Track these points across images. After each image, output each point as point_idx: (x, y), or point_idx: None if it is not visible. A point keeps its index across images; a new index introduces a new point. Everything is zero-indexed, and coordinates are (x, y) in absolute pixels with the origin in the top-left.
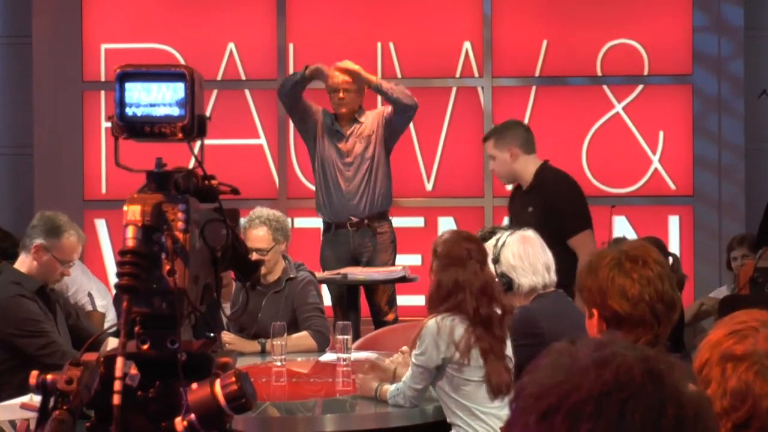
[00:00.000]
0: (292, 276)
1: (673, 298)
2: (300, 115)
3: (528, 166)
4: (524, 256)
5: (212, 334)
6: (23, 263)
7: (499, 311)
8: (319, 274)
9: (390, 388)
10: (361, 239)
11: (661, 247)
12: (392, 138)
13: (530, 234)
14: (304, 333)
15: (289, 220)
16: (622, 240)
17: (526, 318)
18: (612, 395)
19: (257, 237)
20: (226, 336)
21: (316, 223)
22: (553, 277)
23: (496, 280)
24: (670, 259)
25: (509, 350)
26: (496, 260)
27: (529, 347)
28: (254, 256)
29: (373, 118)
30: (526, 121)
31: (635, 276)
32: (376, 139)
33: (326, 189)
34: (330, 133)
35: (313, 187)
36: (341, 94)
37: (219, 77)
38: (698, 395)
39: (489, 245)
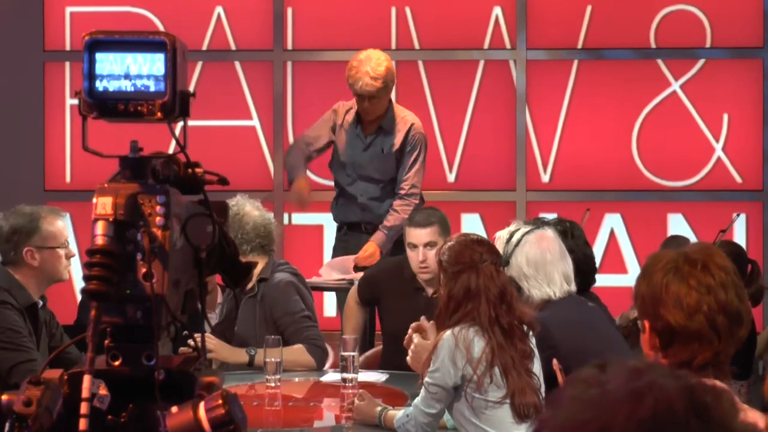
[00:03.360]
0: (264, 277)
1: (739, 310)
2: (329, 145)
3: None
4: (540, 264)
5: (189, 338)
6: (24, 276)
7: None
8: (320, 280)
9: (398, 414)
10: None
11: (740, 253)
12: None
13: (549, 234)
14: (299, 347)
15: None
16: (677, 239)
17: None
18: None
19: None
20: (210, 341)
21: (317, 219)
22: (572, 288)
23: None
24: (749, 267)
25: (537, 366)
26: (507, 262)
27: (543, 362)
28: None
29: (399, 132)
30: (566, 101)
31: (693, 282)
32: (392, 157)
33: (341, 190)
34: (351, 134)
35: (315, 178)
36: (366, 104)
37: (205, 47)
38: (749, 430)
39: (499, 240)
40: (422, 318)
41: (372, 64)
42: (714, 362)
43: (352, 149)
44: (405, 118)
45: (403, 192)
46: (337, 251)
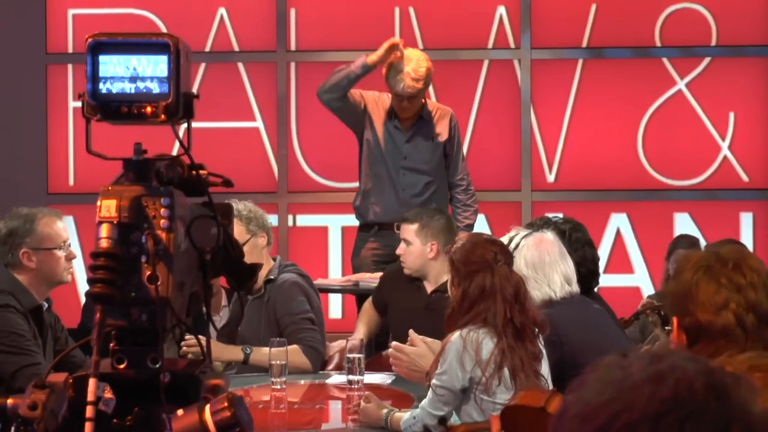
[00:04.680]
0: (272, 277)
1: None
2: (349, 114)
3: (445, 269)
4: (539, 266)
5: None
6: (27, 279)
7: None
8: (325, 281)
9: (404, 416)
10: None
11: None
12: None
13: (549, 236)
14: (294, 348)
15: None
16: (687, 238)
17: None
18: (669, 415)
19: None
20: (202, 339)
21: (322, 221)
22: (574, 288)
23: None
24: None
25: (545, 368)
26: None
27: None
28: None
29: (441, 122)
30: (570, 100)
31: (723, 280)
32: (439, 147)
33: (377, 189)
34: (388, 129)
35: (320, 179)
36: (406, 103)
37: (207, 48)
38: (766, 414)
39: None
40: (410, 331)
41: (413, 65)
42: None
43: (393, 142)
44: (441, 107)
45: (463, 185)
46: (363, 251)
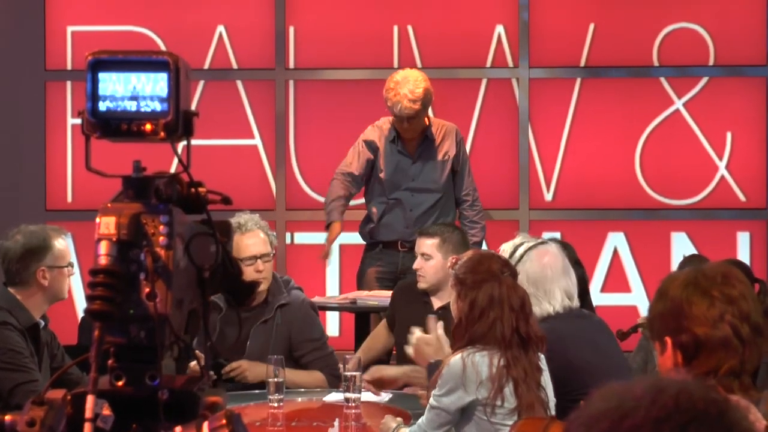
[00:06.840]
0: (284, 302)
1: (760, 324)
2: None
3: None
4: (540, 281)
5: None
6: (28, 296)
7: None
8: (323, 299)
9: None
10: (410, 262)
11: (746, 270)
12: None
13: (552, 249)
14: (320, 377)
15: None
16: (698, 258)
17: None
18: (672, 419)
19: (258, 241)
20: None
21: (320, 238)
22: (575, 303)
23: None
24: (757, 286)
25: (545, 379)
26: None
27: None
28: (258, 266)
29: (447, 140)
30: (568, 119)
31: (715, 293)
32: (447, 165)
33: (386, 213)
34: (393, 154)
35: (317, 197)
36: (406, 125)
37: (206, 66)
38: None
39: (503, 254)
40: (429, 317)
41: (410, 86)
42: (740, 371)
43: (400, 166)
44: (445, 124)
45: (468, 201)
46: (367, 269)
